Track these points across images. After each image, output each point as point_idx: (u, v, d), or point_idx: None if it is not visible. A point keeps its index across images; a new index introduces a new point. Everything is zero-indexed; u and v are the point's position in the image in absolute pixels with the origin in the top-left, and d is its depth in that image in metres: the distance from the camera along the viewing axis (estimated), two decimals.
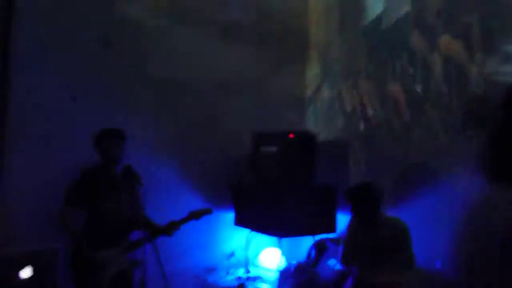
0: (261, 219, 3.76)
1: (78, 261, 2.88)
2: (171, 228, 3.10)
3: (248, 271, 3.96)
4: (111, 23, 3.60)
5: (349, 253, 3.12)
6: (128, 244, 3.03)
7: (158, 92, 3.81)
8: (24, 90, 3.13)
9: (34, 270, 2.15)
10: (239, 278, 3.86)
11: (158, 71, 3.83)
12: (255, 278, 3.86)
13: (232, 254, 4.13)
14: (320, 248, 3.96)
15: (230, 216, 4.02)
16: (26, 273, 2.15)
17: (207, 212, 3.25)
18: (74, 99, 3.35)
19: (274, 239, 3.97)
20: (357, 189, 3.03)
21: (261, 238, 4.13)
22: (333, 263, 3.62)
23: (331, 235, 3.95)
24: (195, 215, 3.20)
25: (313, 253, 3.95)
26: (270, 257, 4.13)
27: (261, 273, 4.01)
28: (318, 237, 4.00)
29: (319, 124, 4.54)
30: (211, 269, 4.04)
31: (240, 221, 3.99)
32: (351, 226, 3.20)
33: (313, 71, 4.72)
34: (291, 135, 3.82)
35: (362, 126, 4.04)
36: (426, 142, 3.32)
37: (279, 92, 4.49)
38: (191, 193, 3.90)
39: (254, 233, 4.04)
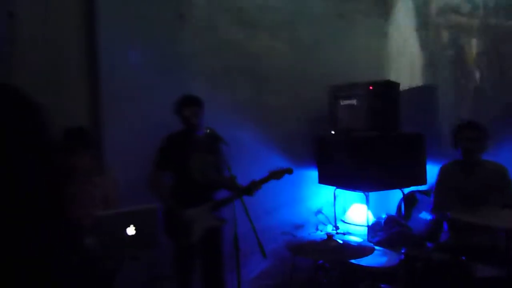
0: (346, 175, 3.70)
1: (169, 220, 3.11)
2: (252, 188, 3.18)
3: (336, 227, 3.96)
4: None
5: (444, 200, 2.99)
6: (214, 203, 3.18)
7: (233, 56, 3.85)
8: (113, 66, 3.33)
9: (137, 227, 2.35)
10: (328, 233, 3.88)
11: (231, 36, 3.86)
12: (344, 234, 3.85)
13: (319, 211, 4.16)
14: (410, 201, 3.84)
15: (315, 173, 4.02)
16: (131, 230, 2.35)
17: (288, 171, 3.28)
18: (159, 73, 3.51)
19: (360, 194, 3.91)
20: (471, 125, 2.89)
21: (348, 194, 4.10)
22: (425, 216, 3.50)
23: (421, 187, 3.81)
24: (275, 175, 3.25)
25: (403, 207, 3.84)
26: (358, 212, 4.10)
27: (350, 229, 4.00)
28: (407, 190, 3.87)
29: (401, 71, 4.32)
30: (300, 226, 4.11)
31: (324, 179, 3.96)
32: (444, 173, 3.06)
33: (393, 17, 4.47)
34: (370, 87, 3.68)
35: (450, 69, 3.77)
36: None
37: (357, 43, 4.31)
38: (273, 153, 3.94)
39: (340, 190, 4.01)
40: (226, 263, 3.28)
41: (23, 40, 3.02)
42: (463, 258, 2.24)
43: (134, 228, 2.34)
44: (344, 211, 4.18)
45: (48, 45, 3.19)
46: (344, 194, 4.13)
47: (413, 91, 4.09)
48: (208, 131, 3.12)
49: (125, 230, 2.34)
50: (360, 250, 2.60)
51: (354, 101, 3.69)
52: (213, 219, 3.16)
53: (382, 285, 2.77)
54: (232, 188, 3.19)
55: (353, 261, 2.82)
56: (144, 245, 2.42)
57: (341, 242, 2.64)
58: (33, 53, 3.09)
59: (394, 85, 3.74)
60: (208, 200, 3.20)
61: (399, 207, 3.93)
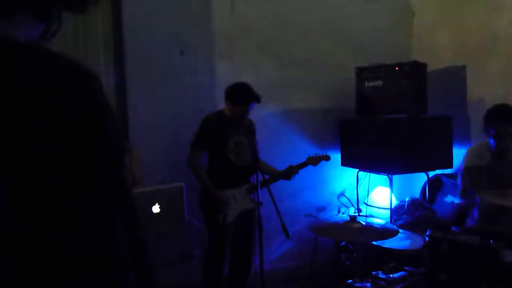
0: (370, 157, 3.66)
1: (206, 199, 3.14)
2: (289, 172, 3.22)
3: (359, 210, 3.94)
4: None
5: (472, 183, 2.94)
6: (250, 186, 3.20)
7: (258, 36, 3.81)
8: (137, 46, 3.33)
9: (163, 205, 2.38)
10: (351, 215, 3.86)
11: (257, 17, 3.82)
12: (367, 216, 3.84)
13: (342, 194, 4.14)
14: (435, 185, 3.78)
15: (338, 156, 3.99)
16: (156, 208, 2.39)
17: (325, 158, 3.33)
18: (182, 53, 3.51)
19: (384, 177, 3.87)
20: (505, 110, 2.79)
21: (371, 176, 4.06)
22: (450, 200, 3.44)
23: (447, 171, 3.74)
24: (313, 161, 3.30)
25: (427, 190, 3.79)
26: (381, 195, 4.06)
27: (373, 212, 3.97)
28: (432, 173, 3.81)
29: (429, 51, 4.21)
30: (322, 208, 4.11)
31: (347, 161, 3.93)
32: (472, 155, 3.00)
33: None
34: (396, 68, 3.61)
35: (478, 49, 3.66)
36: None
37: (381, 21, 4.21)
38: (296, 134, 3.93)
39: (363, 172, 3.97)
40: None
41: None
42: (491, 242, 2.20)
43: (158, 206, 2.38)
44: (367, 194, 4.15)
45: (73, 23, 3.21)
46: (367, 177, 4.09)
47: (441, 72, 3.98)
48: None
49: (151, 208, 2.38)
50: (384, 232, 2.59)
51: (379, 83, 3.63)
52: (249, 201, 3.19)
53: (405, 268, 2.75)
54: (269, 172, 3.23)
55: (376, 243, 2.81)
56: (171, 223, 2.46)
57: (364, 223, 2.62)
58: (60, 31, 3.11)
59: (421, 66, 3.65)
60: (245, 182, 3.22)
61: (423, 191, 3.88)
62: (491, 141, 2.89)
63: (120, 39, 3.35)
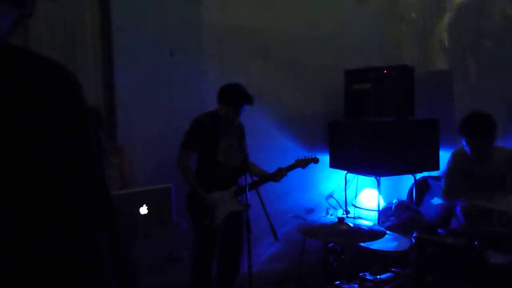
0: (358, 159, 3.69)
1: (194, 201, 3.13)
2: (278, 174, 3.23)
3: (347, 212, 3.96)
4: None
5: (455, 186, 2.98)
6: (239, 188, 3.20)
7: (247, 39, 3.82)
8: (126, 47, 3.32)
9: (151, 207, 2.37)
10: (339, 217, 3.88)
11: (246, 19, 3.82)
12: (355, 218, 3.86)
13: (330, 195, 4.16)
14: (422, 187, 3.83)
15: (326, 157, 4.01)
16: (144, 209, 2.37)
17: (313, 161, 3.35)
18: (171, 54, 3.51)
19: (372, 179, 3.90)
20: (475, 121, 2.82)
21: (359, 178, 4.08)
22: (437, 202, 3.48)
23: (433, 173, 3.79)
24: (301, 163, 3.31)
25: (414, 192, 3.83)
26: (369, 197, 4.09)
27: (360, 213, 4.00)
28: (419, 175, 3.85)
29: (417, 55, 4.25)
30: (310, 210, 4.12)
31: (336, 163, 3.95)
32: (456, 158, 3.04)
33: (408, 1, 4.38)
34: (384, 71, 3.64)
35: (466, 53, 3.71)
36: None
37: (370, 25, 4.25)
38: (285, 136, 3.95)
39: (352, 174, 4.00)
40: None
41: (38, 19, 3.01)
42: (475, 243, 2.24)
43: (146, 207, 2.36)
44: (355, 196, 4.18)
45: (63, 24, 3.19)
46: (355, 179, 4.12)
47: (428, 76, 4.03)
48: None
49: (139, 210, 2.36)
50: (371, 233, 2.61)
51: (368, 86, 3.66)
52: (237, 203, 3.18)
53: (392, 269, 2.78)
54: (258, 174, 3.23)
55: (363, 244, 2.83)
56: (158, 224, 2.45)
57: (352, 225, 2.64)
58: (48, 31, 3.09)
59: (409, 70, 3.69)
60: (233, 184, 3.21)
61: (410, 193, 3.91)
62: (465, 149, 2.94)
63: (109, 40, 3.33)
